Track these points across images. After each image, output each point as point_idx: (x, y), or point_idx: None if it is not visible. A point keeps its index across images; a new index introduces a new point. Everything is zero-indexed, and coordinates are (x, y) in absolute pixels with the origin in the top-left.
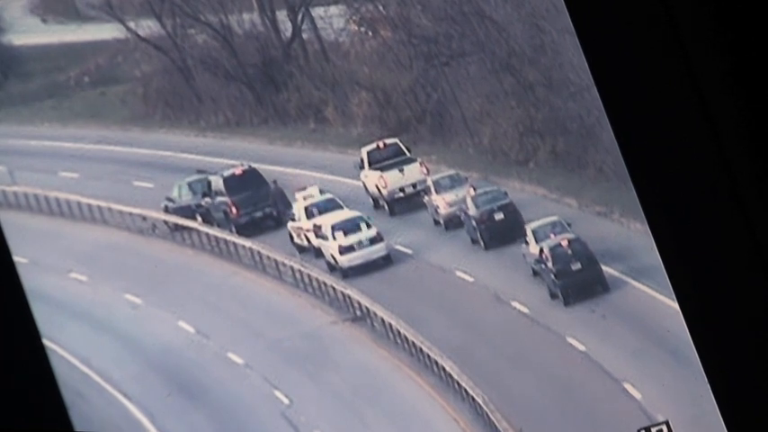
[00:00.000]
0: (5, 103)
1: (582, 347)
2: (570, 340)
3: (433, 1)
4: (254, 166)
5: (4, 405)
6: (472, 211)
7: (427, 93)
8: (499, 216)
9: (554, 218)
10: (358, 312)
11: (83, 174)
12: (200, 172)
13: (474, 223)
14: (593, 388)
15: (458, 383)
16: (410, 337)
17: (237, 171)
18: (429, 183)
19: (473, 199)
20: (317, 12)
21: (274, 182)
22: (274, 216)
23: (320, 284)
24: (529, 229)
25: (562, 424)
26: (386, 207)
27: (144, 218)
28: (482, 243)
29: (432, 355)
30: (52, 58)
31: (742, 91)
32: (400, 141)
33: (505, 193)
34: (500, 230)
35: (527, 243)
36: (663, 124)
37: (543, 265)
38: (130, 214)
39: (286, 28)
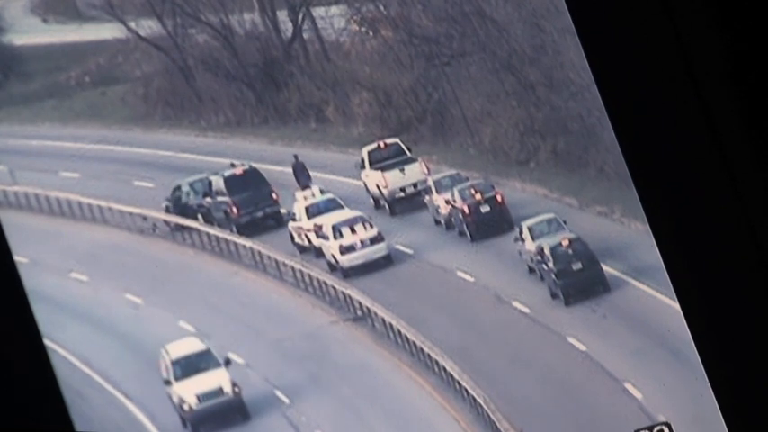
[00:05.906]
0: (6, 102)
1: (582, 347)
2: (571, 340)
3: (433, 1)
4: (255, 165)
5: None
6: (459, 203)
7: (428, 93)
8: (485, 209)
9: (550, 215)
10: (359, 312)
11: (83, 173)
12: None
13: (461, 216)
14: (594, 388)
15: (458, 383)
16: (411, 337)
17: (238, 171)
18: (430, 182)
19: (460, 191)
20: (318, 12)
21: (295, 156)
22: (274, 216)
23: (321, 284)
24: (525, 226)
25: (563, 424)
26: (387, 207)
27: (144, 218)
28: (468, 235)
29: (432, 354)
30: (53, 58)
31: (742, 91)
32: (401, 141)
33: (492, 186)
34: (486, 223)
35: (522, 240)
36: (663, 124)
37: (544, 265)
38: (131, 214)
39: (287, 28)
